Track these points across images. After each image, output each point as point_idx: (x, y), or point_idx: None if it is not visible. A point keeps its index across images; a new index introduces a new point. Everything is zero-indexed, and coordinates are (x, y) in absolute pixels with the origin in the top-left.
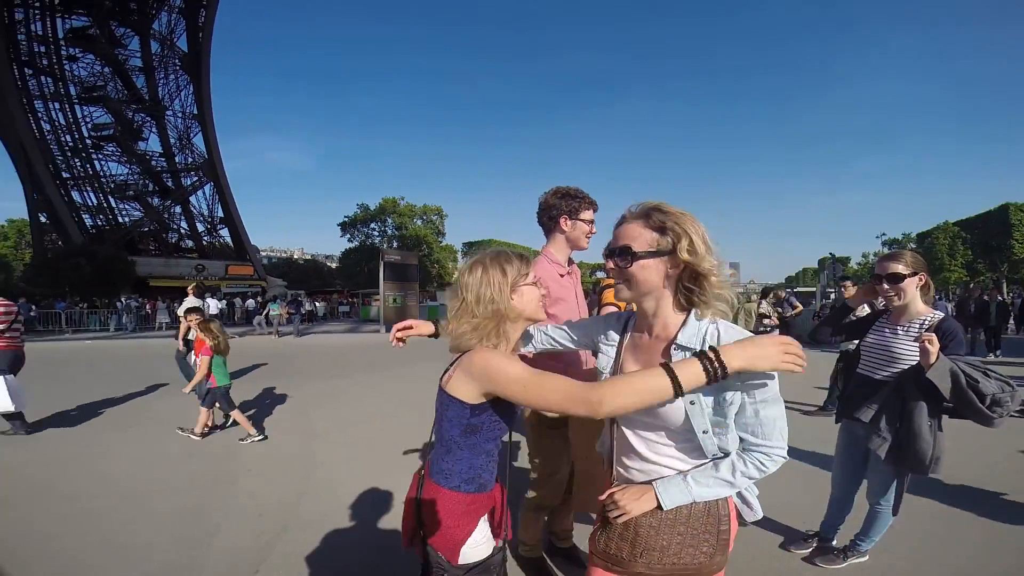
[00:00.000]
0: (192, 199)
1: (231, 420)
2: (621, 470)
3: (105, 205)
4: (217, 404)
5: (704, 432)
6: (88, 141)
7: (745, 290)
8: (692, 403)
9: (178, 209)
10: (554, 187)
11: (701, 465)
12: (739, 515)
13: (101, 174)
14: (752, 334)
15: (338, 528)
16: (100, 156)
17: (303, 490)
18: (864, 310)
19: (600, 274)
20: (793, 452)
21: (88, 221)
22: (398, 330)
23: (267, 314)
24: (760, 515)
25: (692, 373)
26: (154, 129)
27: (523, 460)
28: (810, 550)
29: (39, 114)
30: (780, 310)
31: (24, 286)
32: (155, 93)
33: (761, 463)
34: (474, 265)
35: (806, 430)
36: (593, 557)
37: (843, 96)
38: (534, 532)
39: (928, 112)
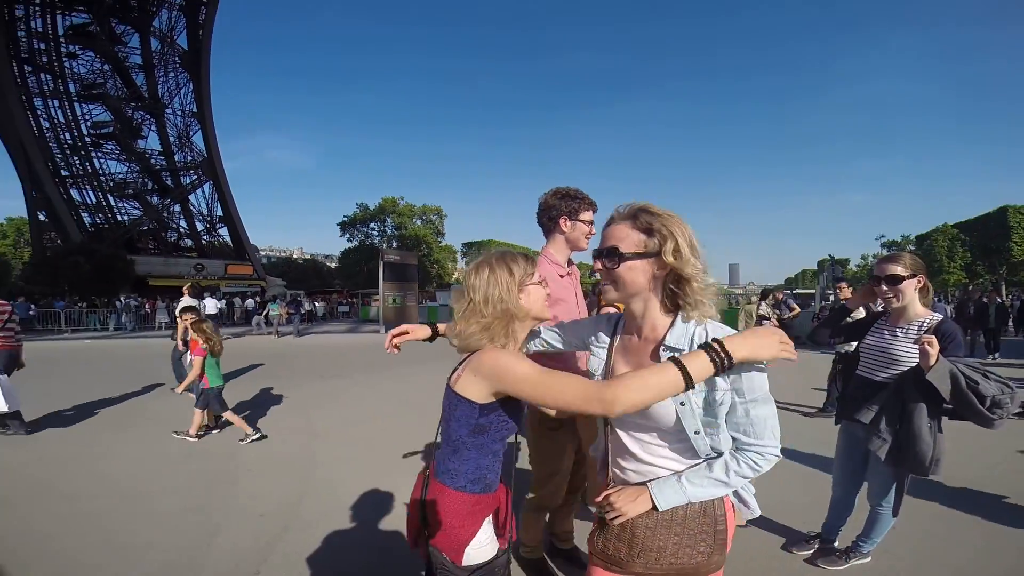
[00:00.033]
0: (191, 198)
1: (224, 421)
2: (617, 471)
3: (104, 203)
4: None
5: (696, 433)
6: (87, 139)
7: (744, 291)
8: (682, 404)
9: (177, 208)
10: (554, 188)
11: (695, 465)
12: (737, 514)
13: (100, 172)
14: None
15: (338, 528)
16: (99, 154)
17: (303, 490)
18: (861, 312)
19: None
20: (793, 454)
21: (87, 219)
22: (394, 336)
23: (266, 314)
24: (758, 513)
25: (700, 364)
26: (153, 127)
27: (523, 461)
28: (812, 551)
29: (38, 111)
30: (779, 312)
31: (23, 285)
32: (155, 91)
33: (754, 462)
34: (480, 266)
35: (806, 432)
36: (592, 557)
37: (843, 96)
38: (535, 533)
39: (928, 113)
